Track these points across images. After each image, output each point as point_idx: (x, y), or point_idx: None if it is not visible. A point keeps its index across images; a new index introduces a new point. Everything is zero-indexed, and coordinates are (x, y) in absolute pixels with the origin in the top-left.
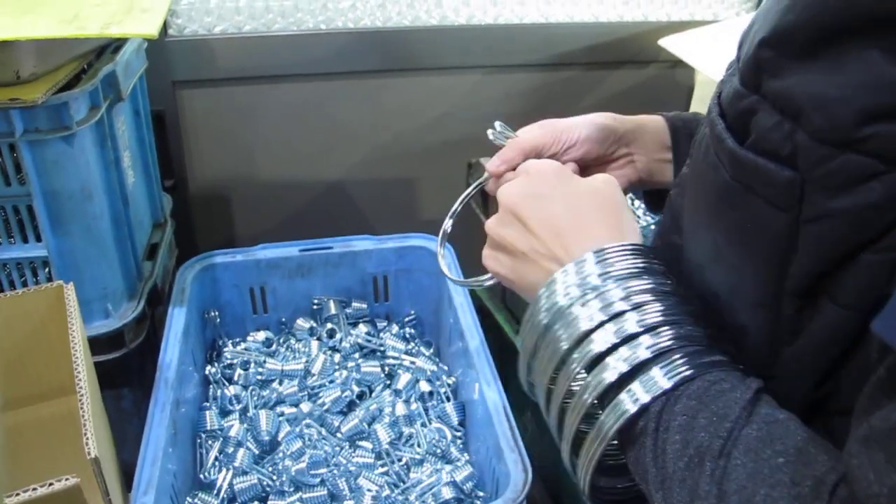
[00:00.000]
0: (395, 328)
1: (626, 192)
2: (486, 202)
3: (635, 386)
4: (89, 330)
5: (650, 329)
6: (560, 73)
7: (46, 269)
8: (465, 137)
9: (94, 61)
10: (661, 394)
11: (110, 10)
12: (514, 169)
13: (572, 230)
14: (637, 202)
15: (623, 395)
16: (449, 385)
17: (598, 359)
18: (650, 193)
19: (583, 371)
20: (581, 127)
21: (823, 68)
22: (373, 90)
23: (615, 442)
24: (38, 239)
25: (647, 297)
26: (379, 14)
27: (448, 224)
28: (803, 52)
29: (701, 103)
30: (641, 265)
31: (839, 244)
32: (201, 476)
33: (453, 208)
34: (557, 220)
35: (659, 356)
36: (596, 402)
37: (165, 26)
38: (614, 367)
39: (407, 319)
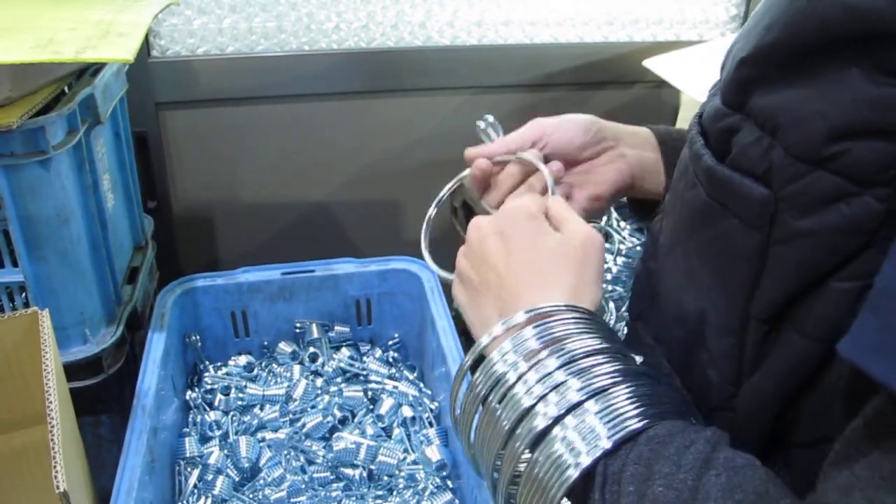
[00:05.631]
0: (378, 352)
1: (620, 189)
2: (469, 218)
3: (579, 445)
4: (66, 356)
5: (595, 394)
6: (545, 93)
7: (23, 294)
8: (450, 158)
9: (73, 84)
10: (601, 455)
11: (86, 34)
12: (491, 160)
13: (524, 277)
14: (623, 223)
15: (567, 457)
16: (432, 410)
17: (543, 434)
18: (639, 203)
19: (527, 451)
20: (563, 117)
21: (803, 85)
22: (357, 111)
23: None
24: (15, 264)
25: (593, 360)
26: (363, 35)
27: (432, 212)
28: (784, 70)
29: (686, 124)
30: (579, 328)
31: (806, 268)
32: None
33: (439, 196)
34: (514, 263)
35: (607, 416)
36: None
37: (148, 48)
38: (563, 438)
39: (390, 343)
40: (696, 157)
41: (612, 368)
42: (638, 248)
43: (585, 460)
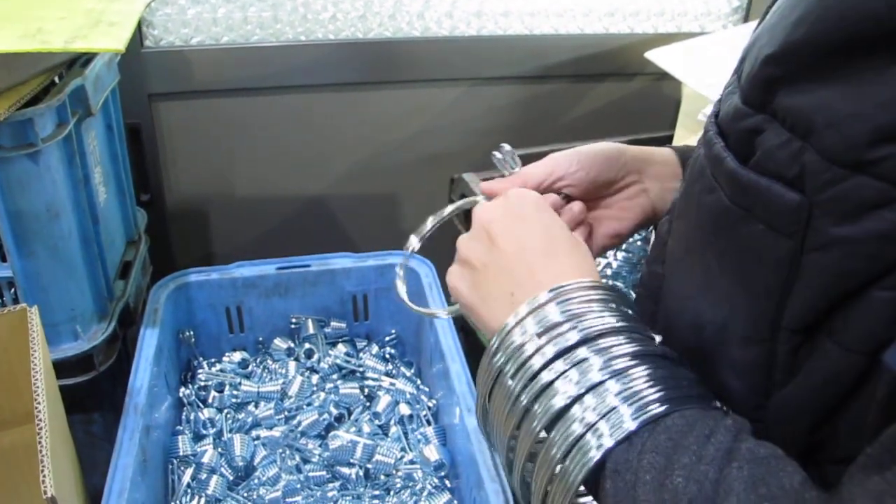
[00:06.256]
0: (374, 348)
1: (641, 225)
2: (468, 213)
3: (602, 426)
4: (57, 353)
5: (616, 374)
6: (545, 85)
7: (12, 290)
8: (449, 151)
9: (63, 74)
10: (625, 436)
11: (76, 23)
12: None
13: (540, 253)
14: None
15: (589, 437)
16: (429, 408)
17: (562, 412)
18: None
19: (543, 430)
20: (585, 151)
21: (838, 84)
22: (354, 103)
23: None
24: (3, 259)
25: (613, 339)
26: (360, 25)
27: (416, 244)
28: (816, 68)
29: (687, 117)
30: (606, 304)
31: (845, 277)
32: None
33: (428, 227)
34: (527, 241)
35: (629, 397)
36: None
37: (141, 38)
38: (581, 419)
39: (387, 339)
40: (717, 160)
41: (634, 349)
42: (638, 242)
43: (608, 442)
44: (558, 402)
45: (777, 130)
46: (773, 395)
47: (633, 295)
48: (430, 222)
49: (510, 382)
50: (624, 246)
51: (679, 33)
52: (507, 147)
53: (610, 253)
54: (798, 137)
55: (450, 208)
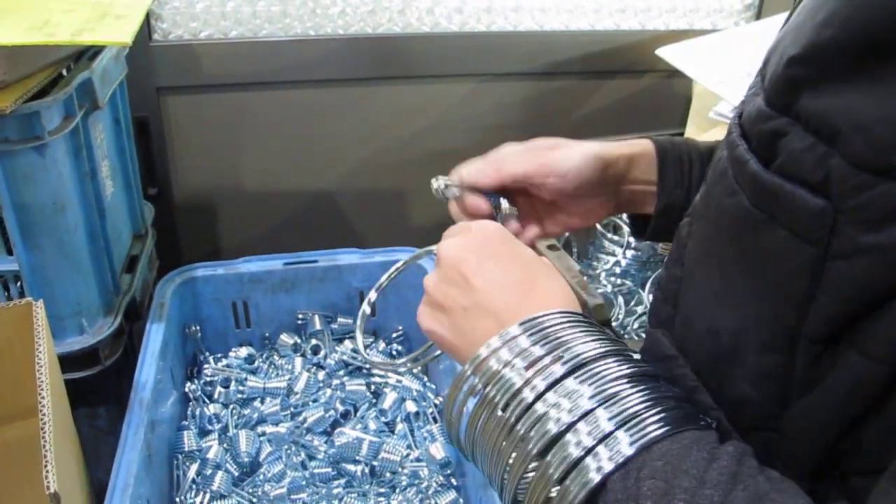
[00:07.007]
0: (381, 345)
1: (602, 219)
2: None
3: (601, 450)
4: (62, 346)
5: (608, 399)
6: (555, 82)
7: (18, 283)
8: (457, 147)
9: (71, 66)
10: (624, 461)
11: (82, 16)
12: (485, 191)
13: (517, 287)
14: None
15: (588, 461)
16: (436, 406)
17: (557, 437)
18: (635, 217)
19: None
20: (574, 159)
21: (867, 87)
22: (363, 98)
23: None
24: (10, 253)
25: (601, 363)
26: (369, 20)
27: (373, 296)
28: (842, 70)
29: (698, 115)
30: (586, 329)
31: (870, 286)
32: (177, 500)
33: (383, 281)
34: (502, 276)
35: (623, 421)
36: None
37: (150, 31)
38: (577, 442)
39: (394, 336)
40: (739, 163)
41: (623, 371)
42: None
43: (608, 465)
44: (553, 428)
45: (800, 134)
46: (791, 404)
47: (643, 294)
48: (385, 278)
49: (502, 413)
50: (633, 244)
51: (690, 30)
52: (442, 179)
53: (618, 251)
54: (823, 142)
55: (406, 258)
